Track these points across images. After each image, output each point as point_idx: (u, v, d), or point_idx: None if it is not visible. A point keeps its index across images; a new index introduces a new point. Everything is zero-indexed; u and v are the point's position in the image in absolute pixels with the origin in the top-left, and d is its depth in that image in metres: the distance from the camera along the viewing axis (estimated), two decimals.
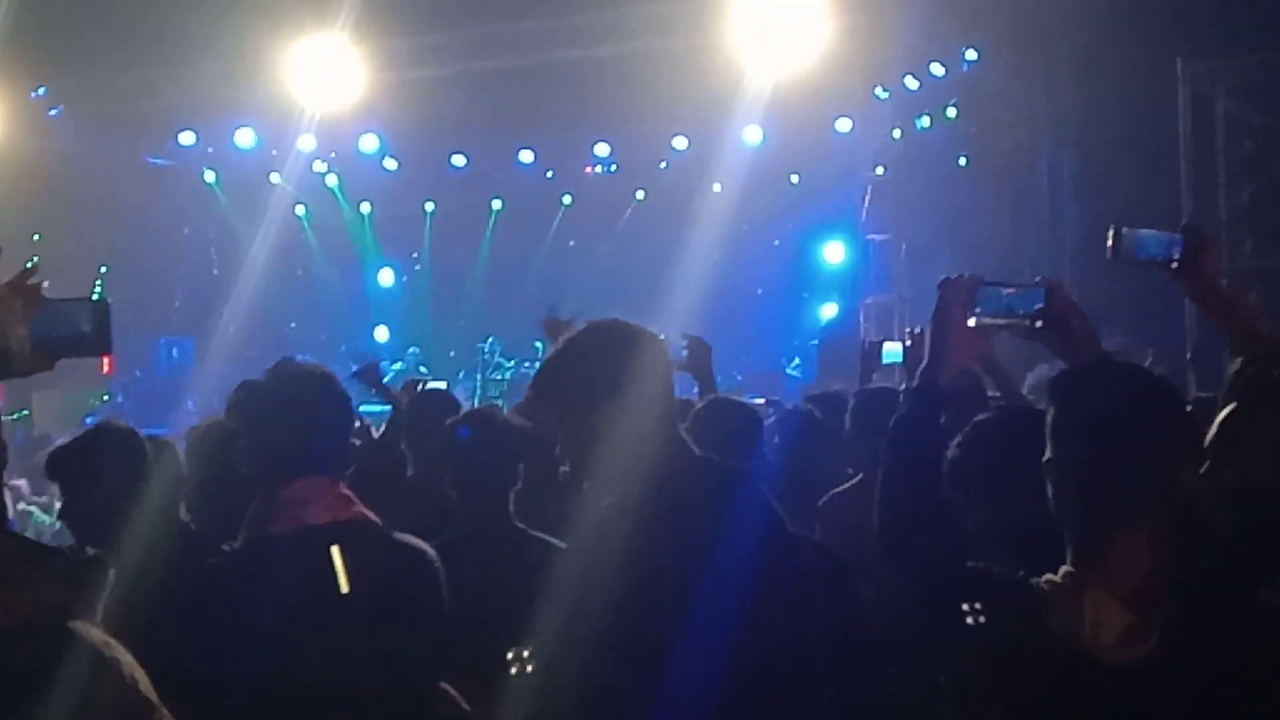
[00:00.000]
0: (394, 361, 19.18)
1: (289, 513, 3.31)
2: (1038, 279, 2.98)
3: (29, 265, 2.67)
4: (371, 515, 3.46)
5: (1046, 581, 2.49)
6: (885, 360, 6.18)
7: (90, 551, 1.88)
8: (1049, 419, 2.55)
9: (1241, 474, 2.70)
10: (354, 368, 6.85)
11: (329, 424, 3.44)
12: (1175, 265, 3.21)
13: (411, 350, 19.89)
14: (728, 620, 2.92)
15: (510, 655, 3.28)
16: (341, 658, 3.20)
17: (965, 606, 3.20)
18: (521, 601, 3.61)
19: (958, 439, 3.33)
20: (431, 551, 3.53)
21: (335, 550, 3.26)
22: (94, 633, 1.78)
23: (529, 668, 3.26)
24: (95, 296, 2.85)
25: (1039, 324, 2.88)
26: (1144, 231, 3.18)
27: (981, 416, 3.45)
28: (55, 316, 2.71)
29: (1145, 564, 2.41)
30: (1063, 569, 2.49)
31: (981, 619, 3.09)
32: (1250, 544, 2.62)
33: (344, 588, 3.24)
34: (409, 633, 3.39)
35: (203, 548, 3.80)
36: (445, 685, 3.58)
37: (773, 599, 3.03)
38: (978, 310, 2.82)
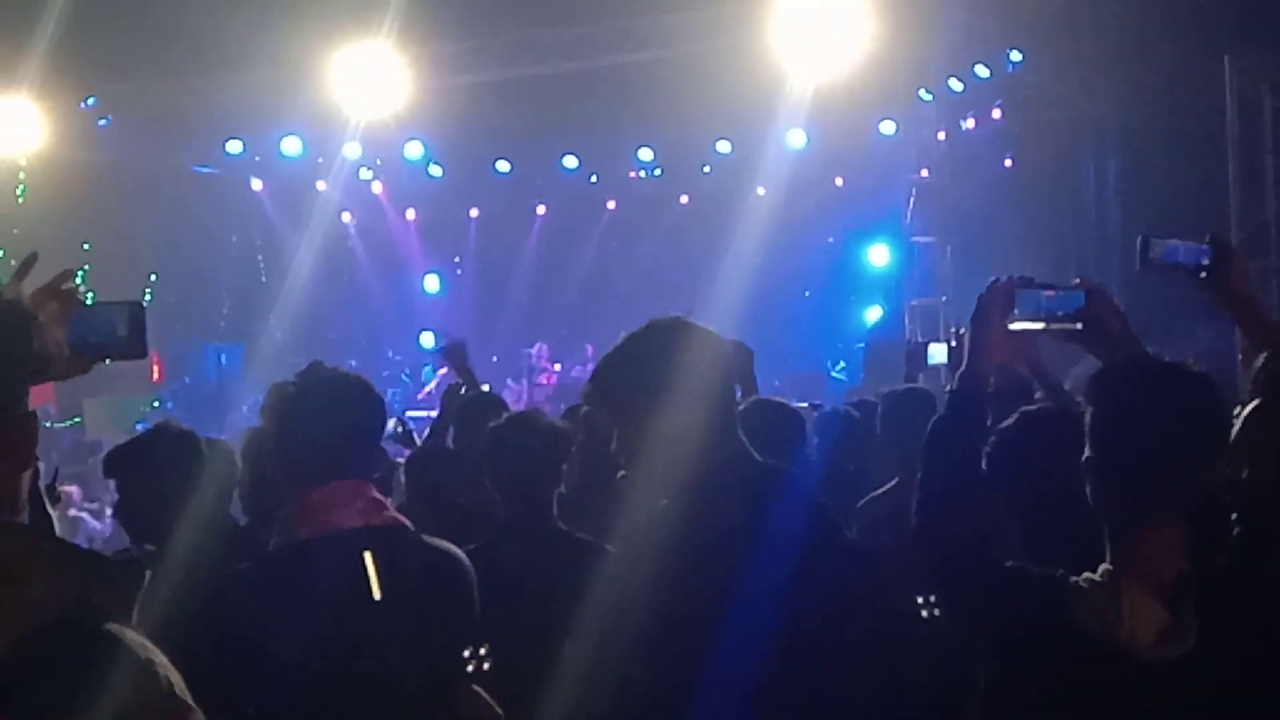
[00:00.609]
0: (440, 367, 19.26)
1: (319, 517, 3.29)
2: (1077, 281, 2.97)
3: (78, 272, 2.70)
4: (404, 520, 3.44)
5: (1085, 580, 2.49)
6: (931, 362, 6.17)
7: (134, 551, 1.89)
8: (1087, 417, 2.55)
9: (1263, 471, 2.69)
10: (441, 343, 6.76)
11: (357, 428, 3.41)
12: (1204, 275, 3.21)
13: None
14: (766, 618, 2.93)
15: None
16: (373, 663, 3.20)
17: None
18: (562, 602, 3.64)
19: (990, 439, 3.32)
20: (464, 557, 3.51)
21: (368, 556, 3.25)
22: (129, 634, 1.78)
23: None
24: (137, 299, 2.86)
25: (1079, 325, 2.88)
26: (1172, 241, 3.18)
27: (1007, 422, 3.44)
28: (92, 320, 2.74)
29: (1179, 560, 2.41)
30: (1101, 567, 2.49)
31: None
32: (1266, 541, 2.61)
33: (376, 594, 3.23)
34: (440, 638, 3.38)
35: (253, 548, 3.84)
36: (478, 688, 3.59)
37: (813, 598, 3.04)
38: (1016, 312, 2.82)
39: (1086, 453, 2.54)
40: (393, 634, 3.24)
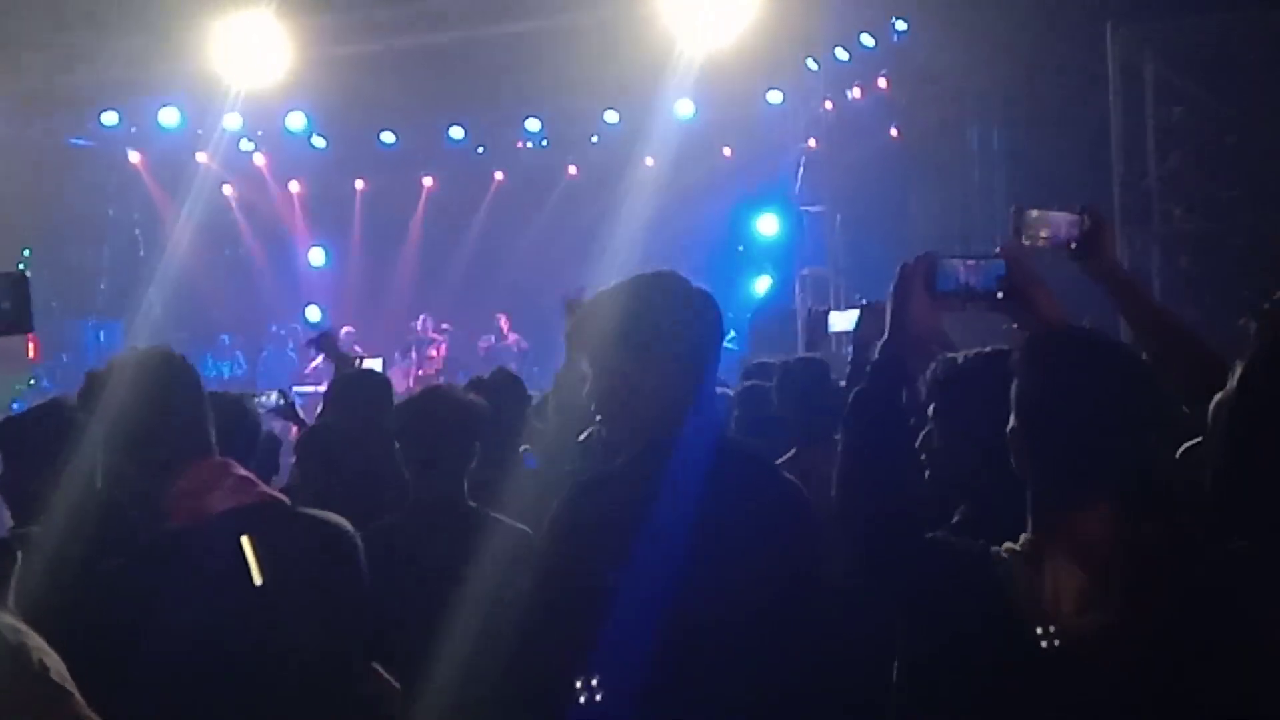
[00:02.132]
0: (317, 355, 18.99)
1: (186, 504, 3.10)
2: (998, 250, 2.94)
3: None
4: (278, 495, 3.30)
5: (1006, 550, 2.47)
6: (831, 329, 6.16)
7: (4, 534, 1.79)
8: (1013, 388, 2.52)
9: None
10: (310, 335, 6.77)
11: (187, 405, 3.20)
12: (1074, 246, 3.18)
13: (345, 330, 19.70)
14: (676, 562, 2.91)
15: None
16: (263, 649, 3.06)
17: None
18: (472, 581, 3.57)
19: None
20: (349, 527, 3.34)
21: (245, 540, 3.07)
22: (3, 618, 1.68)
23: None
24: (20, 270, 2.69)
25: (1000, 295, 2.85)
26: (1048, 213, 3.14)
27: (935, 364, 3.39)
28: None
29: (1107, 534, 2.39)
30: (1023, 537, 2.47)
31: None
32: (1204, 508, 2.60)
33: (257, 579, 3.07)
34: (333, 613, 3.24)
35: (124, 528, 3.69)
36: (375, 665, 3.49)
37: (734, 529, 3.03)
38: (937, 285, 2.79)
39: (1012, 423, 2.52)
40: (281, 616, 3.09)
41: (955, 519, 3.11)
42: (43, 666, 1.70)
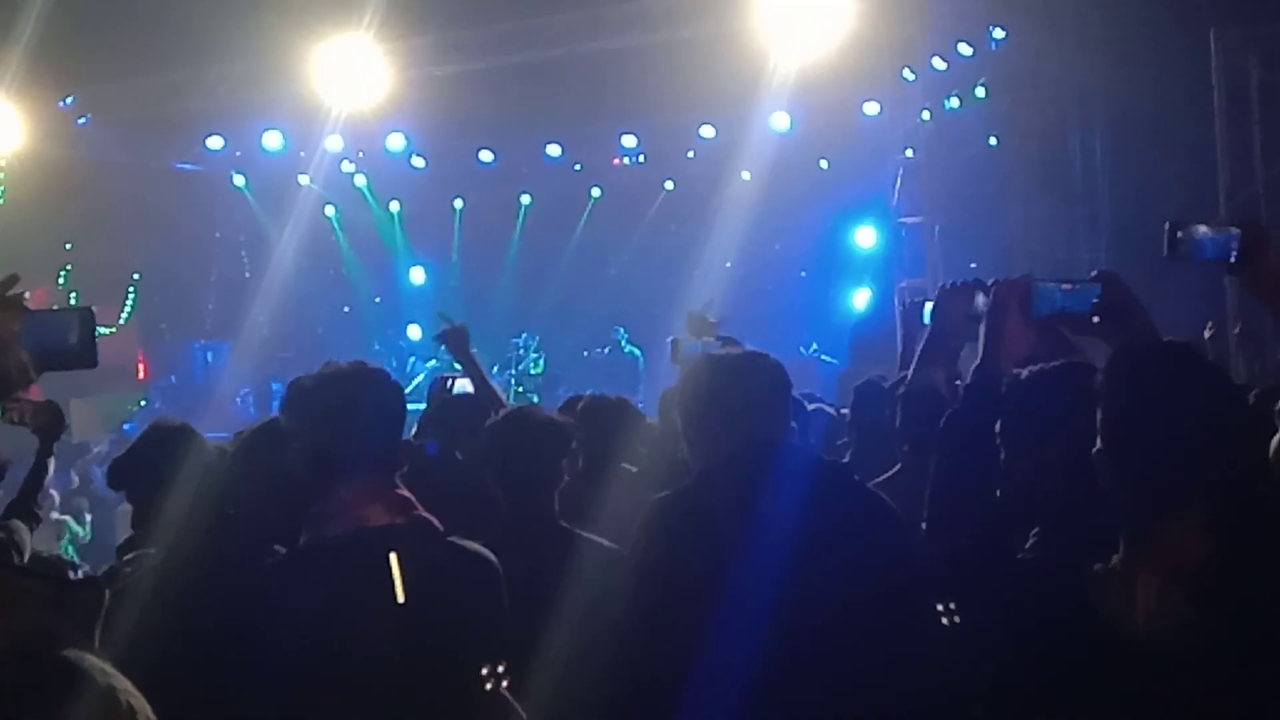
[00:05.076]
0: (429, 359, 19.17)
1: (347, 515, 3.24)
2: (1094, 273, 2.91)
3: (60, 272, 2.60)
4: (432, 519, 3.37)
5: (1101, 569, 2.44)
6: (927, 320, 6.07)
7: (82, 573, 1.82)
8: (1100, 409, 2.49)
9: None
10: (442, 327, 6.41)
11: (380, 424, 3.35)
12: (1234, 261, 3.11)
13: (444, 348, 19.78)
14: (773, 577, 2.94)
15: (485, 671, 3.21)
16: (394, 664, 3.14)
17: (940, 607, 3.18)
18: (564, 599, 3.60)
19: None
20: (492, 557, 3.43)
21: (393, 557, 3.18)
22: (90, 660, 1.69)
23: (504, 683, 3.21)
24: (87, 306, 2.73)
25: (1095, 319, 2.82)
26: (1200, 229, 3.07)
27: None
28: (42, 328, 2.60)
29: (1202, 549, 2.35)
30: (1115, 555, 2.44)
31: (956, 619, 3.07)
32: None
33: (400, 597, 3.16)
34: (467, 640, 3.32)
35: (252, 548, 3.79)
36: (505, 693, 3.53)
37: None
38: (1033, 309, 2.77)
39: (1099, 444, 2.48)
40: (417, 633, 3.18)
41: (1031, 539, 3.07)
42: (131, 710, 1.71)
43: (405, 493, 3.36)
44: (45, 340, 2.58)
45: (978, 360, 2.79)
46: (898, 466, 5.21)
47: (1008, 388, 3.10)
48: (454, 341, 6.42)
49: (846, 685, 3.06)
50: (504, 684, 3.27)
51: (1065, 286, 2.82)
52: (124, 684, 1.71)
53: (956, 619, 2.63)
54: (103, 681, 1.69)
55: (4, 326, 2.38)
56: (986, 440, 2.72)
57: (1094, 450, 2.49)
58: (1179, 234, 2.99)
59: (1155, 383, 2.45)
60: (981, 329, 2.81)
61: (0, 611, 1.64)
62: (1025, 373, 3.14)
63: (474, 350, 6.34)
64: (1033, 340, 2.82)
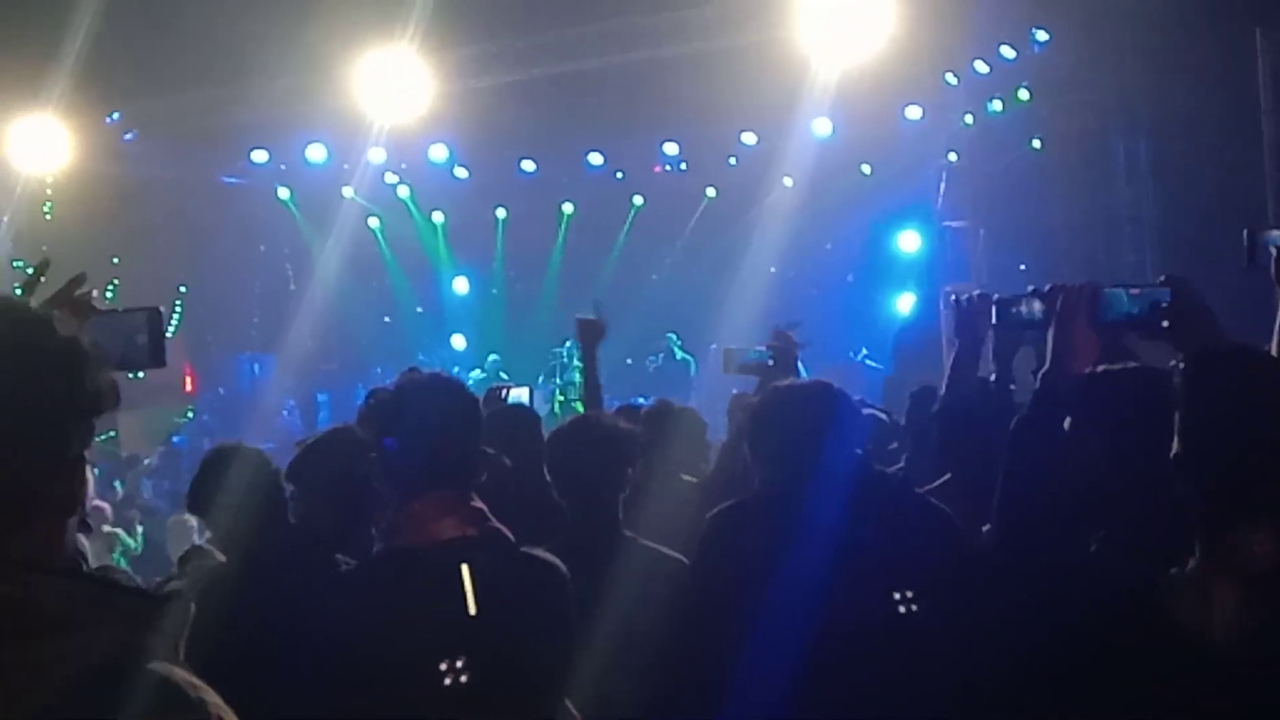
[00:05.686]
0: (473, 369, 19.24)
1: (420, 526, 3.26)
2: (1161, 278, 2.90)
3: (108, 287, 2.61)
4: (504, 530, 3.38)
5: (1175, 574, 2.42)
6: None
7: (167, 587, 1.83)
8: (1179, 413, 2.46)
9: None
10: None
11: (459, 435, 3.35)
12: None
13: (492, 358, 19.90)
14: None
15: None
16: (466, 675, 3.17)
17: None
18: (627, 607, 3.61)
19: None
20: (563, 568, 3.44)
21: (464, 569, 3.21)
22: (178, 673, 1.69)
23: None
24: (155, 305, 2.69)
25: (1164, 324, 2.81)
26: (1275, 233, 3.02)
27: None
28: (111, 329, 2.60)
29: (1275, 556, 2.33)
30: (1191, 561, 2.42)
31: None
32: None
33: (471, 609, 3.19)
34: (534, 649, 3.33)
35: (314, 559, 3.87)
36: (568, 704, 3.54)
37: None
38: (1101, 314, 2.77)
39: (1175, 448, 2.45)
40: (487, 645, 3.21)
41: (1095, 543, 3.05)
42: None
43: (479, 504, 3.37)
44: (114, 341, 2.56)
45: (1045, 365, 2.79)
46: (948, 475, 5.20)
47: (1078, 391, 3.08)
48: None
49: (904, 696, 3.06)
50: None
51: (1133, 291, 2.82)
52: (214, 698, 1.71)
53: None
54: (193, 695, 1.68)
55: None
56: (1056, 443, 2.72)
57: (1171, 454, 2.46)
58: (1258, 238, 2.96)
59: (1238, 389, 2.42)
60: (1050, 334, 2.81)
61: (90, 626, 1.64)
62: (1094, 374, 3.12)
63: (515, 360, 6.35)
64: (1098, 348, 2.81)
